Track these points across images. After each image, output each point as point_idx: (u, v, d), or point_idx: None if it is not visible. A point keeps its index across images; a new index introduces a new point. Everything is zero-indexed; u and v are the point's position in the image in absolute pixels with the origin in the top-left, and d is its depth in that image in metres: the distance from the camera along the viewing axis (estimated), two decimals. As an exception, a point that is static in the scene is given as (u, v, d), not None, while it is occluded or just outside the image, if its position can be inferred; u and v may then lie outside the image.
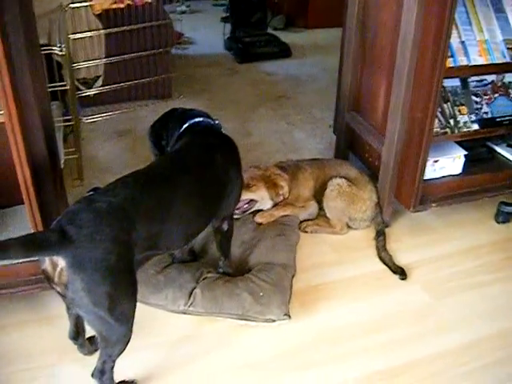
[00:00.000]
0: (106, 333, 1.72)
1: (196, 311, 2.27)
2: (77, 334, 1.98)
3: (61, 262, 1.57)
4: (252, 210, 2.76)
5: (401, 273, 2.51)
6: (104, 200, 1.68)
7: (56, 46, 2.92)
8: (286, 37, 5.37)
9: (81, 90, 3.81)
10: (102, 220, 1.62)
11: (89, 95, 3.86)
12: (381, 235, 2.69)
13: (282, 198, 2.77)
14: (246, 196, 2.67)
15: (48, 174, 2.14)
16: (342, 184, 2.73)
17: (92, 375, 1.84)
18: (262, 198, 2.75)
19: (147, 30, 3.85)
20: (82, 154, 3.39)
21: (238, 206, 2.57)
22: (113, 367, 1.83)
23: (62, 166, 3.06)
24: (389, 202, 2.72)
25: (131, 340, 1.78)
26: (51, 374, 2.04)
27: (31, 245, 1.53)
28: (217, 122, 2.28)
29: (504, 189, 2.82)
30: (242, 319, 2.24)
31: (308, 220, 2.81)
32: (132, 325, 1.76)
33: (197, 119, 2.23)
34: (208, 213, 2.11)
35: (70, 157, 3.17)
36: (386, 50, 2.57)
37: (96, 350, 2.01)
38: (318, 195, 2.81)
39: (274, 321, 2.21)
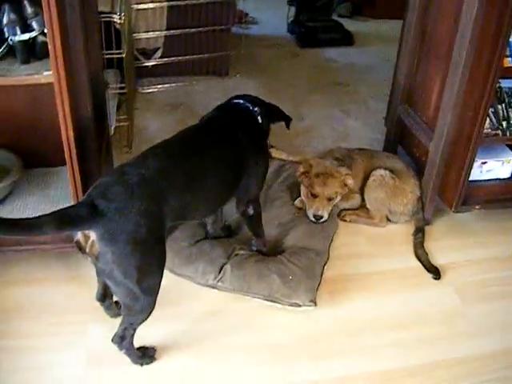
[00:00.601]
0: (132, 303, 1.76)
1: (224, 287, 2.29)
2: (104, 296, 2.04)
3: (92, 235, 1.61)
4: None
5: (435, 272, 2.46)
6: (135, 173, 1.71)
7: (116, 14, 2.95)
8: (351, 25, 5.30)
9: (139, 61, 3.87)
10: (132, 193, 1.65)
11: (147, 66, 3.93)
12: (419, 232, 2.64)
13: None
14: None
15: (93, 138, 2.19)
16: (384, 175, 2.69)
17: (112, 340, 1.89)
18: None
19: (209, 6, 3.85)
20: (133, 123, 3.46)
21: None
22: (133, 334, 1.88)
23: (113, 133, 3.13)
24: (431, 200, 2.66)
25: (156, 309, 1.82)
26: (81, 331, 2.10)
27: (63, 220, 1.57)
28: (256, 109, 2.28)
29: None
30: (268, 300, 2.25)
31: (348, 209, 2.78)
32: (156, 296, 1.80)
33: (237, 100, 2.32)
34: (230, 186, 2.14)
35: (122, 124, 3.23)
36: (444, 44, 2.51)
37: (120, 314, 2.05)
38: (362, 185, 2.78)
39: (299, 306, 2.22)
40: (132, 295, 1.72)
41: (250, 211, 2.30)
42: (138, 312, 1.79)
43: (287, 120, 2.44)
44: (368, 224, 2.74)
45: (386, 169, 2.72)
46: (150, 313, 1.82)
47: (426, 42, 2.73)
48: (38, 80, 1.91)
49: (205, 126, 2.19)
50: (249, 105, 2.28)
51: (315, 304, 2.22)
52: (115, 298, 2.07)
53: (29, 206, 2.29)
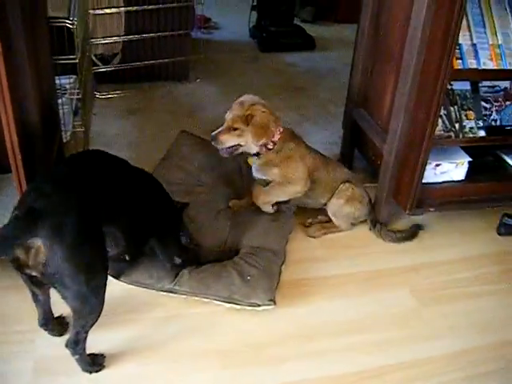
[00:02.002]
0: (81, 305, 1.75)
1: (182, 290, 2.26)
2: (47, 319, 2.01)
3: (36, 241, 1.59)
4: (238, 152, 2.55)
5: (416, 229, 2.70)
6: (60, 171, 1.83)
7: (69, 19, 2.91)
8: (313, 29, 5.32)
9: (97, 66, 3.84)
10: (67, 187, 1.71)
11: (106, 71, 3.88)
12: (376, 223, 2.70)
13: (270, 146, 2.51)
14: (230, 142, 2.47)
15: (40, 143, 2.16)
16: (348, 189, 2.66)
17: (66, 345, 1.85)
18: (246, 142, 2.48)
19: (168, 10, 3.84)
20: (90, 129, 3.42)
21: (222, 148, 2.49)
22: (86, 338, 1.85)
23: (69, 139, 3.09)
24: (386, 202, 2.68)
25: (108, 315, 1.79)
26: (29, 340, 2.05)
27: (1, 247, 1.57)
28: None
29: (509, 200, 2.76)
30: (227, 302, 2.22)
31: (312, 222, 2.76)
32: (104, 296, 1.80)
33: None
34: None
35: (78, 130, 3.18)
36: (396, 47, 2.52)
37: (66, 329, 2.05)
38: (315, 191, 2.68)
39: (258, 305, 2.20)
40: (81, 297, 1.72)
41: (169, 263, 2.31)
42: (87, 314, 1.78)
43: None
44: (336, 232, 2.73)
45: (344, 181, 2.69)
46: (100, 313, 1.81)
47: (378, 46, 2.75)
48: (-21, 85, 1.87)
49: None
50: None
51: (274, 303, 2.20)
52: (56, 314, 2.04)
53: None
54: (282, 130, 2.52)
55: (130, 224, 2.02)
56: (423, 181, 2.54)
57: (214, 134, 2.46)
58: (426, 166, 2.49)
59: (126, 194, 1.98)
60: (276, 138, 2.49)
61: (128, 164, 2.11)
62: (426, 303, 2.37)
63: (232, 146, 2.48)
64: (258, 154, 2.52)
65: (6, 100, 1.86)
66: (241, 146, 2.49)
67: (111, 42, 3.80)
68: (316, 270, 2.50)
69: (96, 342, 1.94)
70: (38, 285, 1.79)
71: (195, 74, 4.25)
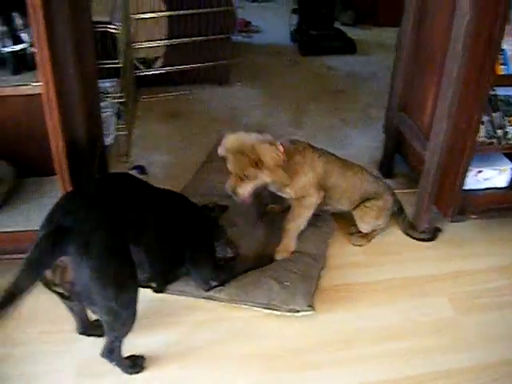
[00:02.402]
0: (113, 319, 1.76)
1: (221, 298, 2.28)
2: (85, 327, 2.04)
3: (64, 260, 1.59)
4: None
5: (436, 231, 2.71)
6: (91, 187, 1.82)
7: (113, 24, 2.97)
8: (354, 33, 5.30)
9: (139, 70, 3.90)
10: (95, 204, 1.70)
11: (147, 75, 3.94)
12: (402, 212, 2.73)
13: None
14: (250, 189, 2.33)
15: (85, 147, 2.21)
16: (372, 208, 2.62)
17: (101, 354, 1.87)
18: (264, 181, 2.34)
19: (210, 15, 3.87)
20: (132, 132, 3.47)
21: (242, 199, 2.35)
22: (120, 346, 1.87)
23: (112, 142, 3.15)
24: (427, 209, 2.64)
25: (149, 318, 1.81)
26: (70, 339, 2.09)
27: (34, 267, 1.55)
28: None
29: (553, 209, 2.70)
30: (266, 308, 2.24)
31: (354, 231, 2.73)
32: (135, 309, 1.80)
33: None
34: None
35: (121, 133, 3.24)
36: (438, 52, 2.49)
37: None
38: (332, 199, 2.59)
39: (297, 311, 2.21)
40: (112, 312, 1.72)
41: (202, 287, 2.30)
42: (120, 327, 1.80)
43: None
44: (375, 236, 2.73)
45: (366, 194, 2.63)
46: (132, 325, 1.82)
47: (421, 50, 2.72)
48: (27, 91, 1.93)
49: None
50: None
51: (313, 309, 2.21)
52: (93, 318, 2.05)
53: (23, 213, 2.30)
54: (282, 149, 2.34)
55: (155, 247, 1.95)
56: (465, 187, 2.50)
57: (230, 189, 2.31)
58: (467, 172, 2.45)
59: (152, 215, 1.95)
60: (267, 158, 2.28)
61: (154, 187, 2.08)
62: (463, 312, 2.33)
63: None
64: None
65: (52, 105, 1.91)
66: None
67: (153, 46, 3.85)
68: (356, 275, 2.49)
69: (136, 344, 1.99)
70: (69, 299, 1.78)
71: (236, 77, 4.28)
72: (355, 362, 2.09)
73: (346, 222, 2.76)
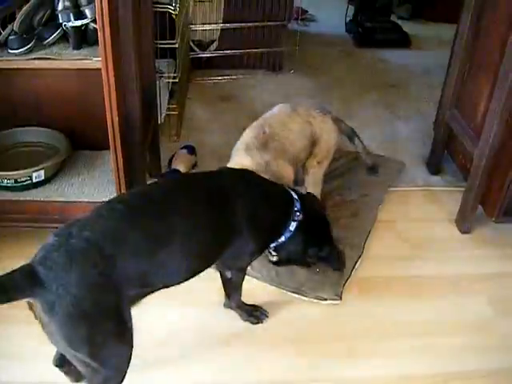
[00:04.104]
0: (91, 374, 1.55)
1: (253, 274, 2.32)
2: (62, 361, 1.76)
3: (33, 303, 1.43)
4: None
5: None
6: (81, 235, 1.47)
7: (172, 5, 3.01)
8: (410, 27, 5.22)
9: (195, 52, 3.95)
10: (73, 261, 1.42)
11: (202, 58, 4.00)
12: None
13: None
14: None
15: (138, 125, 2.24)
16: None
17: None
18: None
19: (266, 1, 3.90)
20: (183, 112, 3.53)
21: None
22: None
23: (163, 121, 3.21)
24: (473, 208, 2.63)
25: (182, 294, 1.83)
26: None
27: (2, 295, 1.36)
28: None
29: None
30: (295, 292, 2.27)
31: None
32: (124, 368, 1.59)
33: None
34: (210, 254, 1.83)
35: (172, 113, 3.30)
36: (496, 50, 2.46)
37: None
38: None
39: (324, 299, 2.24)
40: (89, 367, 1.52)
41: (228, 274, 2.07)
42: (102, 382, 1.57)
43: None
44: None
45: None
46: (122, 379, 1.61)
47: (477, 48, 2.68)
48: (87, 65, 2.00)
49: (186, 180, 1.94)
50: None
51: (340, 298, 2.24)
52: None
53: (74, 185, 2.39)
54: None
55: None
56: (513, 189, 2.48)
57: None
58: (517, 173, 2.43)
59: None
60: None
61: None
62: (502, 313, 2.32)
63: None
64: None
65: (110, 81, 1.95)
66: None
67: (209, 29, 3.90)
68: (396, 268, 2.49)
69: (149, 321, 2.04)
70: None
71: (289, 65, 4.29)
72: (391, 353, 2.11)
73: (387, 211, 2.78)
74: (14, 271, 1.39)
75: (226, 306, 2.20)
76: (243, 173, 2.04)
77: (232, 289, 2.13)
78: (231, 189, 1.84)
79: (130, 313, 1.55)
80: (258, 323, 2.15)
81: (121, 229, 1.55)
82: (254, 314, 2.17)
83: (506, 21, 2.38)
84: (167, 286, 1.74)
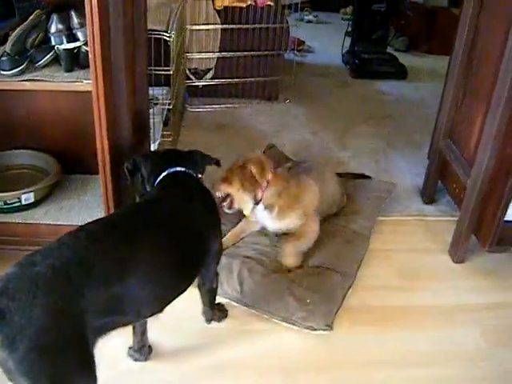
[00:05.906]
0: None
1: (244, 302, 2.29)
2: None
3: None
4: (235, 209, 2.59)
5: None
6: (45, 263, 1.39)
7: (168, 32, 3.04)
8: (406, 59, 5.29)
9: (191, 80, 3.97)
10: (37, 290, 1.33)
11: (198, 86, 4.03)
12: None
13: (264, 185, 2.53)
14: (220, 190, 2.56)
15: (129, 150, 2.24)
16: None
17: None
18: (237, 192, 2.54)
19: (263, 31, 3.95)
20: (178, 139, 3.53)
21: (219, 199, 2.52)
22: None
23: (157, 147, 3.20)
24: (466, 237, 2.61)
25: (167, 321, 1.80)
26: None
27: None
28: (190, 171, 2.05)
29: None
30: (285, 322, 2.23)
31: None
32: None
33: (178, 168, 1.99)
34: (188, 271, 1.80)
35: (166, 139, 3.29)
36: (488, 80, 2.47)
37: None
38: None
39: (314, 329, 2.19)
40: None
41: (215, 284, 2.05)
42: None
43: (215, 163, 2.27)
44: None
45: None
46: None
47: (470, 78, 2.70)
48: (78, 88, 2.00)
49: (147, 202, 1.89)
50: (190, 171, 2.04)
51: (331, 328, 2.19)
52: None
53: (63, 209, 2.37)
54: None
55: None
56: (506, 218, 2.46)
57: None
58: (510, 203, 2.41)
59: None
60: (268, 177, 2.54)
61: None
62: (496, 344, 2.28)
63: (226, 197, 2.55)
64: (257, 203, 2.54)
65: (100, 104, 1.96)
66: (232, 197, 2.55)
67: (205, 58, 3.93)
68: (387, 298, 2.46)
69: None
70: None
71: (285, 94, 4.33)
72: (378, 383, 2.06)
73: (380, 240, 2.76)
74: None
75: (208, 320, 2.19)
76: (183, 179, 1.99)
77: (214, 297, 2.12)
78: (186, 200, 1.86)
79: (95, 345, 1.47)
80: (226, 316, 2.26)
81: (85, 255, 1.48)
82: (221, 308, 2.26)
83: (497, 52, 2.39)
84: (141, 316, 1.72)
